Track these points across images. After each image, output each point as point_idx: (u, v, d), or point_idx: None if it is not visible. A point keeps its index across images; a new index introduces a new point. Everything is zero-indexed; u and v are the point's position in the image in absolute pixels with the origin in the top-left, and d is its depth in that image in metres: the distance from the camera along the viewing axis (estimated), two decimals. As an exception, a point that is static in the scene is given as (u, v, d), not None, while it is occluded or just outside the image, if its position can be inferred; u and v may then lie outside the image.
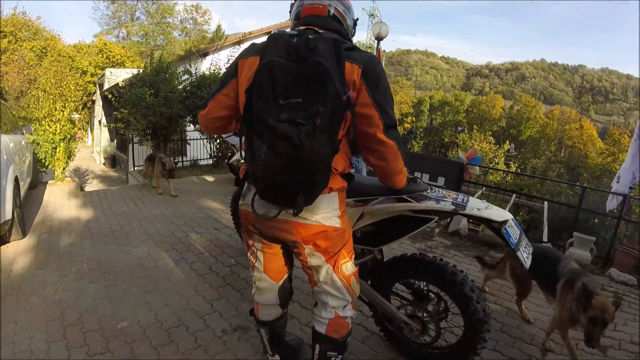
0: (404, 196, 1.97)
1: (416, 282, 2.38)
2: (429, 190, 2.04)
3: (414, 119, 44.38)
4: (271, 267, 1.88)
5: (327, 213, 1.64)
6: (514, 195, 9.31)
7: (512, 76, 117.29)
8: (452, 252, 5.28)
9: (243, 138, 1.48)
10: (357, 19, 1.88)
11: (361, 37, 49.48)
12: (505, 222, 1.88)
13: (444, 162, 6.92)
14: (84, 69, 23.56)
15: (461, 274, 2.18)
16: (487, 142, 27.15)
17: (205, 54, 14.77)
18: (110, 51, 25.35)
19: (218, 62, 11.22)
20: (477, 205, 1.94)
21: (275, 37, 1.42)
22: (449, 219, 6.41)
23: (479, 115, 43.96)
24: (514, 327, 3.38)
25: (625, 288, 4.58)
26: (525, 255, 1.93)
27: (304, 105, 1.30)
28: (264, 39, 1.51)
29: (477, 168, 6.86)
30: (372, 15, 44.76)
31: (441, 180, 6.57)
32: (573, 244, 5.25)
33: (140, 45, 30.64)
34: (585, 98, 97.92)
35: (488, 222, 1.92)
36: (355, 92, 1.51)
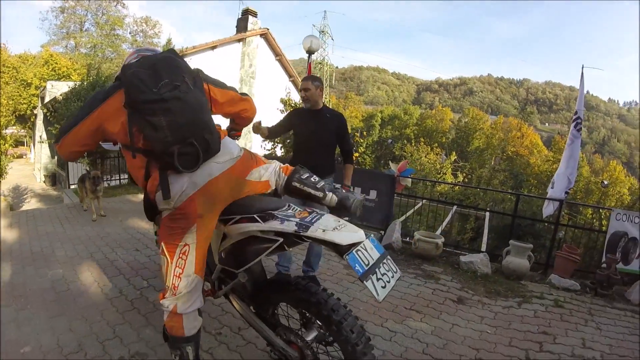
0: (255, 215, 1.88)
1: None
2: (286, 207, 1.93)
3: (361, 133, 44.64)
4: (201, 258, 1.93)
5: (234, 146, 2.04)
6: (455, 206, 9.03)
7: (460, 90, 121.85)
8: None
9: None
10: None
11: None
12: (355, 245, 1.68)
13: (376, 175, 6.53)
14: (29, 80, 22.26)
15: (331, 300, 1.91)
16: (434, 154, 27.46)
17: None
18: (56, 63, 23.77)
19: None
20: (326, 225, 1.73)
21: None
22: (382, 232, 5.95)
23: (426, 129, 44.87)
24: (439, 348, 3.04)
25: (567, 294, 4.29)
26: (379, 285, 1.68)
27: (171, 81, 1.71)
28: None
29: (409, 180, 6.55)
30: (322, 32, 44.94)
31: (373, 194, 6.16)
32: (510, 253, 4.84)
33: (87, 58, 29.06)
34: (530, 109, 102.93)
35: (334, 246, 1.69)
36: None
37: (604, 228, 5.66)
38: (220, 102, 2.08)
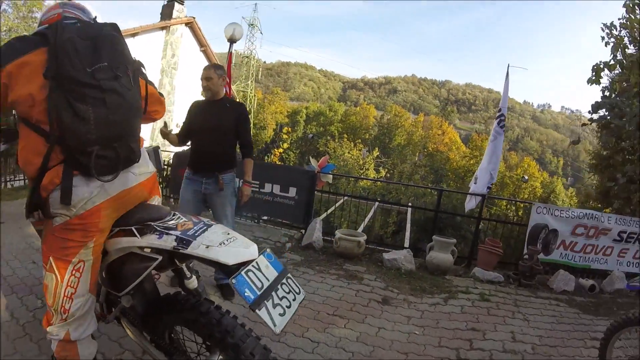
0: (133, 227, 1.63)
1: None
2: (170, 217, 1.70)
3: (289, 129, 44.75)
4: (96, 275, 1.69)
5: (148, 162, 1.81)
6: (376, 202, 8.92)
7: (385, 89, 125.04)
8: (302, 270, 4.47)
9: None
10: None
11: (239, 46, 48.59)
12: (245, 263, 1.43)
13: (295, 172, 6.14)
14: None
15: (225, 319, 1.55)
16: (357, 150, 27.87)
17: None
18: None
19: None
20: (211, 240, 1.48)
21: None
22: (302, 231, 5.61)
23: (350, 125, 45.65)
24: (365, 356, 2.79)
25: (491, 287, 4.24)
26: (276, 313, 1.41)
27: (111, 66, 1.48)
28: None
29: (330, 176, 6.26)
30: (251, 25, 43.83)
31: (292, 191, 5.81)
32: (433, 248, 4.70)
33: (3, 41, 25.76)
34: (451, 108, 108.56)
35: (220, 265, 1.44)
36: None
37: (522, 220, 5.76)
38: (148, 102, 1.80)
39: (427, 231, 6.08)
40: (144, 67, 1.79)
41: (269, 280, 1.47)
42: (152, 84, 1.90)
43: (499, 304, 3.81)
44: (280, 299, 1.46)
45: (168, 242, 1.51)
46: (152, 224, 1.62)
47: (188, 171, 3.35)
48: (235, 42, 8.06)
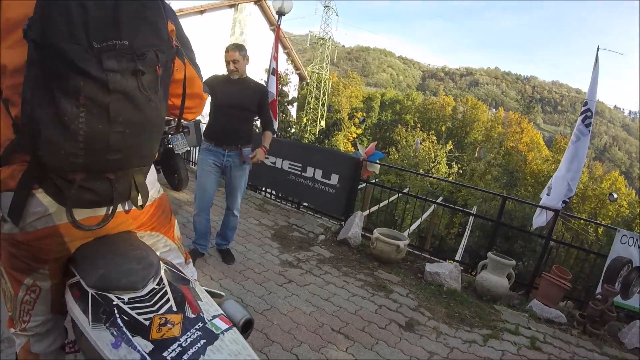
0: (90, 292, 1.07)
1: None
2: (154, 283, 1.11)
3: (363, 114, 43.99)
4: (57, 296, 1.26)
5: (155, 185, 1.36)
6: (434, 205, 7.94)
7: (466, 81, 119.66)
8: (326, 269, 3.93)
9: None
10: None
11: (315, 27, 48.24)
12: None
13: (339, 157, 5.49)
14: None
15: None
16: (429, 142, 26.48)
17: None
18: None
19: None
20: None
21: None
22: (342, 223, 5.05)
23: (426, 116, 43.83)
24: None
25: (548, 330, 3.31)
26: None
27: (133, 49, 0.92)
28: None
29: (377, 166, 5.53)
30: (327, 7, 43.13)
31: (335, 178, 5.21)
32: (486, 267, 3.90)
33: None
34: (535, 107, 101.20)
35: None
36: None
37: (601, 247, 4.59)
38: (173, 78, 1.20)
39: (489, 245, 5.14)
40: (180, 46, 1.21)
41: None
42: (197, 68, 1.33)
43: (552, 358, 2.94)
44: None
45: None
46: (115, 298, 1.04)
47: (207, 143, 3.40)
48: (284, 15, 7.59)
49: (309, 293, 3.39)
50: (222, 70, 3.48)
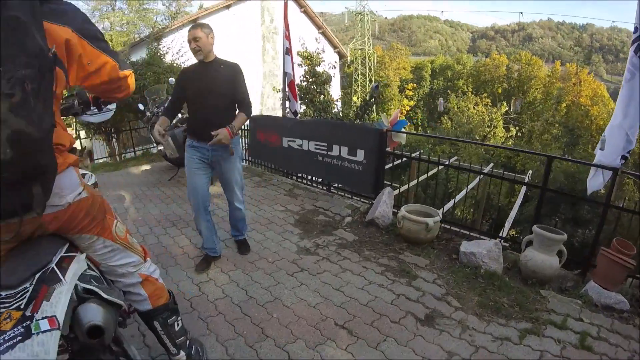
0: None
1: None
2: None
3: (414, 85, 42.51)
4: None
5: (73, 189, 1.43)
6: (479, 176, 7.03)
7: (519, 37, 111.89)
8: (345, 254, 3.61)
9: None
10: None
11: (350, 4, 46.86)
12: None
13: (362, 130, 5.01)
14: None
15: None
16: (482, 105, 24.93)
17: (157, 38, 12.73)
18: None
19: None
20: None
21: None
22: (372, 202, 4.66)
23: (480, 79, 41.36)
24: None
25: (605, 321, 2.65)
26: None
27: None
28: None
29: (404, 135, 5.00)
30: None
31: (360, 154, 4.84)
32: (532, 244, 3.36)
33: (122, 35, 29.63)
34: (597, 58, 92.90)
35: None
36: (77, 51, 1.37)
37: None
38: (89, 71, 1.45)
39: (552, 212, 4.40)
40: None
41: None
42: (110, 54, 1.51)
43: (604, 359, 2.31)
44: None
45: None
46: None
47: (190, 139, 3.18)
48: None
49: (320, 282, 3.08)
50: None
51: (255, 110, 14.53)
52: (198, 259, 3.46)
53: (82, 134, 13.24)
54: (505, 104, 26.63)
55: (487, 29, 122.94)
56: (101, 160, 10.59)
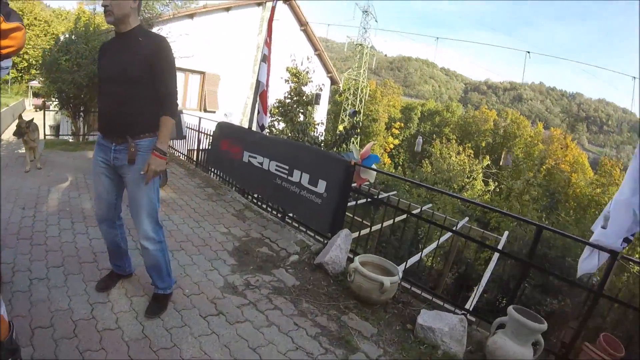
0: None
1: None
2: None
3: (402, 124, 42.78)
4: None
5: None
6: (448, 233, 6.19)
7: (509, 95, 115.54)
8: (277, 302, 2.93)
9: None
10: None
11: (353, 33, 47.38)
12: None
13: (327, 159, 4.25)
14: (59, 35, 21.84)
15: None
16: (465, 155, 24.83)
17: (149, 25, 12.03)
18: (87, 19, 23.58)
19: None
20: None
21: None
22: (326, 242, 3.97)
23: (465, 128, 41.87)
24: None
25: None
26: None
27: None
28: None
29: (373, 173, 4.34)
30: (365, 12, 41.95)
31: (321, 185, 4.12)
32: (504, 328, 2.71)
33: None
34: (580, 126, 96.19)
35: None
36: None
37: None
38: None
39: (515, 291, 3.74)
40: None
41: None
42: None
43: None
44: None
45: None
46: None
47: (99, 134, 2.37)
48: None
49: (235, 335, 2.39)
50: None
51: (236, 121, 13.96)
52: (107, 272, 2.78)
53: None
54: (487, 157, 26.64)
55: (480, 82, 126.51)
56: (65, 137, 10.20)
